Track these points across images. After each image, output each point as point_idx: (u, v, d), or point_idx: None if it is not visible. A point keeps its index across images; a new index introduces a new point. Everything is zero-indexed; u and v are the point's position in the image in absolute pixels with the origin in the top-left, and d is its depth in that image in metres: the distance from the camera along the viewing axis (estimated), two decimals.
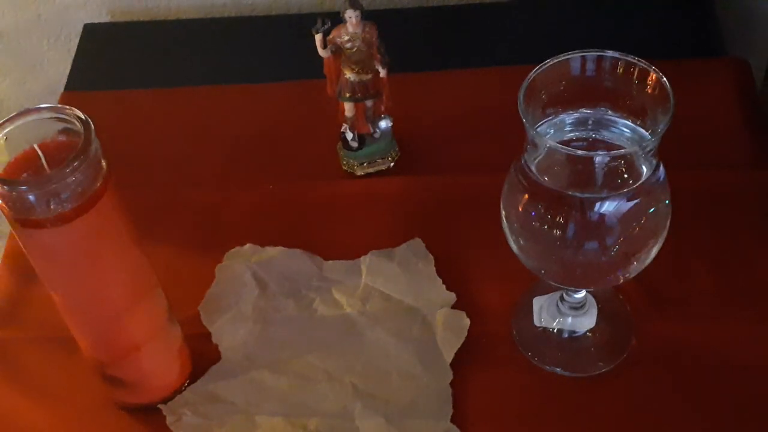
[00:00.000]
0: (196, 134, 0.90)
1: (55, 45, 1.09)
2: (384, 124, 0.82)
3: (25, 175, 0.57)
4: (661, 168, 0.61)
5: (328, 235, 0.80)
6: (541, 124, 0.62)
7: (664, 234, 0.63)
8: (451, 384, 0.70)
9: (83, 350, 0.68)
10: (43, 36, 1.08)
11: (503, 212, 0.64)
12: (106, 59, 0.99)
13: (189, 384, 0.71)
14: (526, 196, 0.62)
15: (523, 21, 0.98)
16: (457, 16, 0.99)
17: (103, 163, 0.59)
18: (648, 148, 0.59)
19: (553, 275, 0.65)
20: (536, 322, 0.73)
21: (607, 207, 0.60)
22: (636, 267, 0.63)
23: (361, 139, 0.83)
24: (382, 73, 0.78)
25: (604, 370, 0.70)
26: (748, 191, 0.79)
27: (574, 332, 0.72)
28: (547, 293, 0.73)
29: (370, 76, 0.78)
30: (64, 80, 0.97)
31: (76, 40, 1.01)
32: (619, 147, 0.62)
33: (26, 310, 0.77)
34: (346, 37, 0.75)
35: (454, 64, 0.93)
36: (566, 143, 0.63)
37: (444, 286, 0.75)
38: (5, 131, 0.58)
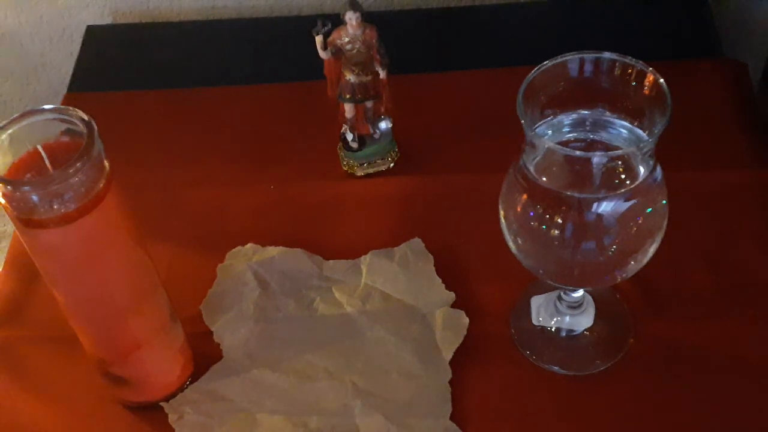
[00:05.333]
0: (198, 135, 0.90)
1: (57, 46, 1.09)
2: (384, 124, 0.83)
3: (28, 175, 0.58)
4: (659, 168, 0.61)
5: (328, 235, 0.80)
6: (540, 125, 0.63)
7: (662, 234, 0.63)
8: (451, 382, 0.70)
9: (86, 349, 0.69)
10: (46, 37, 1.09)
11: (502, 212, 0.65)
12: (108, 61, 1.00)
13: (191, 382, 0.72)
14: (525, 196, 0.63)
15: (521, 23, 0.98)
16: (457, 17, 0.99)
17: (106, 164, 0.59)
18: (645, 149, 0.59)
19: (551, 275, 0.65)
20: (534, 321, 0.73)
21: (605, 207, 0.60)
22: (633, 267, 0.64)
23: (361, 140, 0.83)
24: (382, 74, 0.78)
25: (601, 369, 0.71)
26: (744, 192, 0.79)
27: (572, 331, 0.72)
28: (546, 292, 0.73)
29: (370, 77, 0.78)
30: (67, 81, 0.97)
31: (79, 42, 1.02)
32: (617, 148, 0.63)
33: (29, 309, 0.78)
34: (347, 39, 0.76)
35: (454, 65, 0.93)
36: (564, 144, 0.63)
37: (443, 286, 0.75)
38: (9, 132, 0.58)
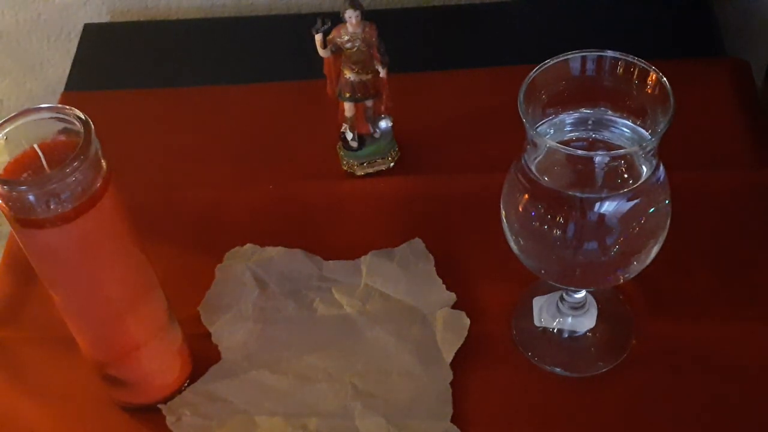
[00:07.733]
0: (196, 134, 0.90)
1: (55, 45, 1.09)
2: (384, 124, 0.82)
3: (25, 175, 0.57)
4: (661, 168, 0.61)
5: (328, 235, 0.80)
6: (541, 124, 0.62)
7: (664, 234, 0.63)
8: (451, 384, 0.70)
9: (83, 350, 0.68)
10: (44, 36, 1.08)
11: (503, 212, 0.65)
12: (106, 59, 0.99)
13: (189, 384, 0.71)
14: (526, 196, 0.62)
15: (523, 21, 0.98)
16: (458, 16, 0.99)
17: (103, 163, 0.59)
18: (648, 148, 0.59)
19: (553, 275, 0.65)
20: (536, 322, 0.73)
21: (607, 207, 0.60)
22: (636, 267, 0.63)
23: (361, 139, 0.83)
24: (382, 73, 0.78)
25: (604, 370, 0.70)
26: (747, 191, 0.79)
27: (574, 332, 0.72)
28: (547, 293, 0.73)
29: (369, 76, 0.78)
30: (64, 80, 0.97)
31: (76, 40, 1.01)
32: (619, 147, 0.62)
33: (26, 309, 0.77)
34: (346, 37, 0.75)
35: (454, 64, 0.93)
36: (566, 143, 0.63)
37: (444, 286, 0.75)
38: (5, 131, 0.58)
